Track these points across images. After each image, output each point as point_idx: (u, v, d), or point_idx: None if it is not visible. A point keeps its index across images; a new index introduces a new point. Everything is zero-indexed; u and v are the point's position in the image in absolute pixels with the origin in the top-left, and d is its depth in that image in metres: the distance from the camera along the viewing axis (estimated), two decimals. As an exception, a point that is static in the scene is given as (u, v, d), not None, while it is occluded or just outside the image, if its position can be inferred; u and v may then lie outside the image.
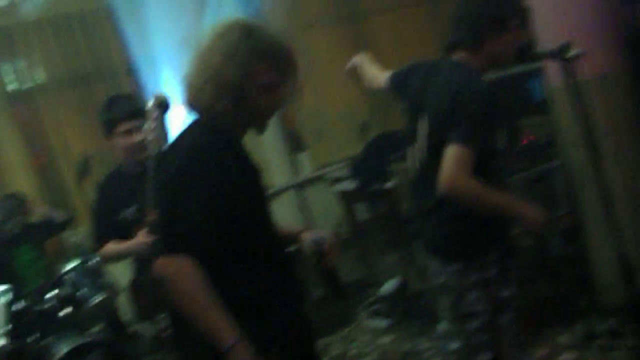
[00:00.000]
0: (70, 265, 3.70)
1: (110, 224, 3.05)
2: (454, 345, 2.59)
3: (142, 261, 2.97)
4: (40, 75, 5.46)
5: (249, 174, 1.94)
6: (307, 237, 2.12)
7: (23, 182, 5.25)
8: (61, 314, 3.53)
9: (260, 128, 1.96)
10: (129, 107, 2.98)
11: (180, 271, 1.73)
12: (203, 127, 1.89)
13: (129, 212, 3.02)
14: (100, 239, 3.09)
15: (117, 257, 3.15)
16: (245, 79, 1.81)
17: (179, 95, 1.97)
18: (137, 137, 2.92)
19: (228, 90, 1.80)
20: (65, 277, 3.64)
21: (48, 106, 5.40)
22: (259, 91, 1.83)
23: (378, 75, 2.90)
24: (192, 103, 1.89)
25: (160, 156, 2.85)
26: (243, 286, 1.86)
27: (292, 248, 2.15)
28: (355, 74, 3.00)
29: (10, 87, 5.41)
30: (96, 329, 4.04)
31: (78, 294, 3.59)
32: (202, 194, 1.76)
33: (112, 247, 3.06)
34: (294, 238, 2.19)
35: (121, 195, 3.04)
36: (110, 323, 4.41)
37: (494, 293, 2.41)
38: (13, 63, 5.39)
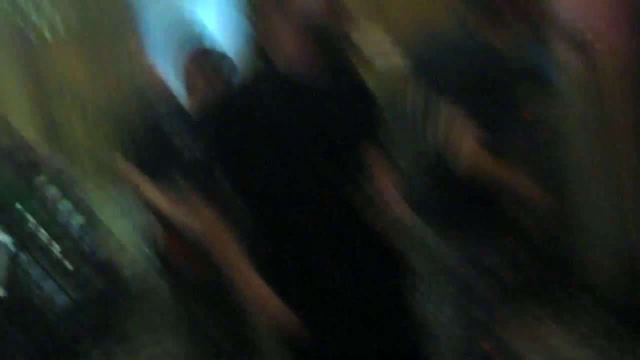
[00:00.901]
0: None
1: (166, 155, 2.89)
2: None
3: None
4: (56, 27, 5.44)
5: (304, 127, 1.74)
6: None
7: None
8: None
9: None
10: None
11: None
12: (260, 75, 1.75)
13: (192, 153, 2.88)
14: (145, 162, 2.90)
15: (146, 202, 2.96)
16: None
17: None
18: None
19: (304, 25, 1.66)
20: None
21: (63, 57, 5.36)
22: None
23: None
24: (264, 43, 1.72)
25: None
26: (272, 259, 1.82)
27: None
28: None
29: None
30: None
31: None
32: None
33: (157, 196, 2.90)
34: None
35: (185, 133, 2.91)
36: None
37: (494, 271, 2.41)
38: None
